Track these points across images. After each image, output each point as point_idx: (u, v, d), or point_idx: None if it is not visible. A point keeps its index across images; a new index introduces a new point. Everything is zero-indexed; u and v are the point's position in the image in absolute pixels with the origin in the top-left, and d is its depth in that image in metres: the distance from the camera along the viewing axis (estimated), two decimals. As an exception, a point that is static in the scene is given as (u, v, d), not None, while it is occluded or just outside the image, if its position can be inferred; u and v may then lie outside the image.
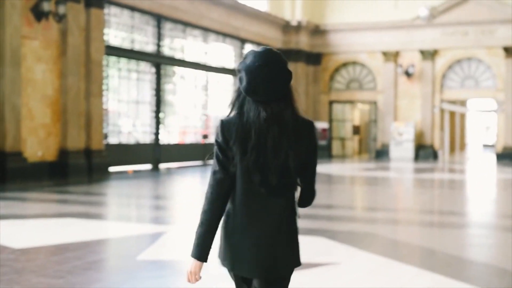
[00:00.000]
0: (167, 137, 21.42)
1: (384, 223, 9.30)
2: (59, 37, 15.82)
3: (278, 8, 27.12)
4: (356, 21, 27.48)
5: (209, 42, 23.15)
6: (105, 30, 17.68)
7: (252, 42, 25.08)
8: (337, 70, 28.65)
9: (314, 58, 28.35)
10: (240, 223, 2.60)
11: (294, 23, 27.31)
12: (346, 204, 11.84)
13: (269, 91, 2.60)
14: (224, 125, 2.61)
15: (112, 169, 17.64)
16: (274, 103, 2.63)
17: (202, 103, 22.96)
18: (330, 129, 28.81)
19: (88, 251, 6.46)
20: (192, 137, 22.73)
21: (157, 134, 20.35)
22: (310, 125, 2.71)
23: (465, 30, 26.00)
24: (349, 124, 30.77)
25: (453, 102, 27.81)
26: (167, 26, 20.95)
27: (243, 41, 24.87)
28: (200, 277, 2.66)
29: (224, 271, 2.68)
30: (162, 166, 20.27)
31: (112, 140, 18.73)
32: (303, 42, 27.74)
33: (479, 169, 23.06)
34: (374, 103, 28.38)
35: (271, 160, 2.57)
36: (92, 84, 16.68)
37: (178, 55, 21.67)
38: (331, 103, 29.08)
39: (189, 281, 2.65)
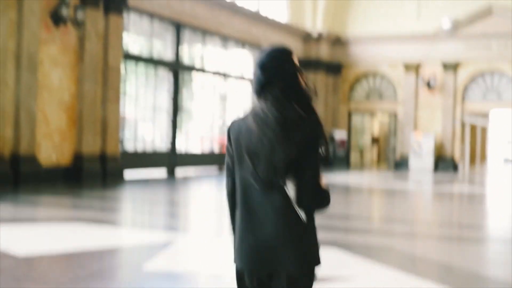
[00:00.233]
0: (185, 144, 21.28)
1: (402, 236, 9.03)
2: (77, 43, 15.75)
3: (299, 18, 26.93)
4: (378, 32, 27.21)
5: (229, 50, 23.02)
6: (124, 37, 17.59)
7: (272, 51, 24.84)
8: (357, 80, 28.38)
9: (334, 69, 28.12)
10: (240, 221, 2.64)
11: (315, 34, 27.11)
12: (363, 215, 11.57)
13: (263, 85, 2.60)
14: (230, 126, 2.68)
15: (127, 175, 17.51)
16: (271, 99, 2.58)
17: (220, 111, 22.82)
18: (349, 139, 28.52)
19: (93, 260, 6.27)
20: (209, 145, 22.57)
21: (173, 141, 20.22)
22: (304, 121, 2.55)
23: (488, 43, 25.61)
24: (368, 134, 30.47)
25: (474, 114, 27.41)
26: (186, 34, 20.85)
27: (262, 49, 24.66)
28: None
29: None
30: (178, 173, 20.11)
31: (129, 146, 18.62)
32: (323, 52, 27.53)
33: (499, 182, 22.63)
34: (394, 114, 28.05)
35: (259, 157, 2.55)
36: (109, 90, 16.58)
37: (197, 63, 21.55)
38: (350, 113, 28.81)
39: None
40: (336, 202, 13.30)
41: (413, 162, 26.45)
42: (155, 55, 19.60)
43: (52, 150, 15.15)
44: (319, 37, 27.18)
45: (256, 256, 2.59)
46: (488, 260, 7.56)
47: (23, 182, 13.84)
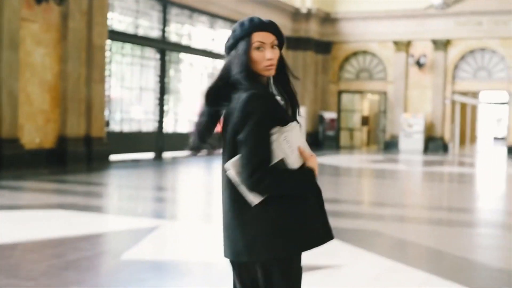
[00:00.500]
0: (173, 125, 20.95)
1: (391, 220, 8.81)
2: (59, 20, 15.34)
3: (288, -6, 26.53)
4: (368, 10, 26.88)
5: (217, 28, 22.62)
6: (109, 15, 17.18)
7: (260, 29, 24.47)
8: (347, 59, 28.08)
9: (323, 47, 27.78)
10: None
11: (304, 10, 26.72)
12: (352, 199, 11.35)
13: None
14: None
15: (113, 157, 17.19)
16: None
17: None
18: (338, 120, 28.28)
19: (70, 248, 5.99)
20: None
21: (161, 122, 19.89)
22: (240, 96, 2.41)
23: (479, 20, 25.34)
24: (358, 114, 30.24)
25: (465, 93, 27.20)
26: (173, 12, 20.44)
27: (251, 28, 24.27)
28: None
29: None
30: (166, 155, 19.82)
31: (114, 127, 18.28)
32: (312, 30, 27.16)
33: (489, 162, 22.49)
34: (384, 94, 27.79)
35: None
36: (93, 69, 16.19)
37: (184, 41, 21.17)
38: (340, 93, 28.54)
39: None
40: (325, 184, 13.10)
41: (403, 143, 26.26)
42: (141, 34, 19.19)
43: (35, 132, 14.81)
44: (308, 14, 26.79)
45: (223, 245, 2.49)
46: (480, 246, 7.35)
47: (5, 166, 13.51)
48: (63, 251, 5.87)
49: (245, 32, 2.46)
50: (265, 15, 24.40)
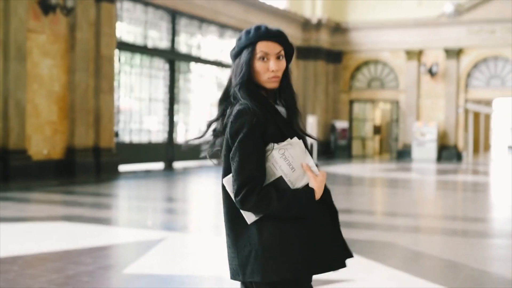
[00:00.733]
0: (183, 136, 20.78)
1: (405, 231, 8.55)
2: (67, 31, 15.22)
3: (298, 5, 26.35)
4: (379, 19, 26.66)
5: (226, 38, 22.48)
6: (117, 25, 17.07)
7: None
8: (358, 68, 27.85)
9: (334, 57, 27.57)
10: None
11: (314, 20, 26.53)
12: (365, 209, 11.08)
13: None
14: None
15: (122, 168, 17.03)
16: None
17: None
18: (350, 129, 28.03)
19: (71, 262, 5.78)
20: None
21: (170, 132, 19.73)
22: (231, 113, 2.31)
23: (492, 28, 25.04)
24: (370, 123, 29.97)
25: (478, 102, 26.86)
26: (182, 22, 20.32)
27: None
28: None
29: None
30: (176, 165, 19.63)
31: (124, 138, 18.13)
32: (323, 40, 26.96)
33: (504, 171, 22.14)
34: (396, 103, 27.52)
35: None
36: (102, 80, 16.06)
37: (193, 52, 21.02)
38: (351, 102, 28.29)
39: None
40: (337, 194, 12.85)
41: (416, 152, 25.95)
42: (150, 45, 19.07)
43: (43, 143, 14.67)
44: (319, 24, 26.60)
45: None
46: (496, 257, 7.07)
47: (13, 177, 13.38)
48: (63, 265, 5.66)
49: (249, 41, 2.34)
50: (275, 25, 24.14)
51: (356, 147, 28.98)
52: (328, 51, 27.24)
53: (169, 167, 19.26)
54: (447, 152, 25.96)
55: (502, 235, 8.53)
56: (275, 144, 2.24)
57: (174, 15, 19.72)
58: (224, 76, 22.08)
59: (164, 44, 19.62)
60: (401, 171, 20.44)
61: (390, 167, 22.24)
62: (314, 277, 2.31)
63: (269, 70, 2.31)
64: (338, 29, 27.40)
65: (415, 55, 26.30)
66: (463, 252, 7.12)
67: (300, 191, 2.24)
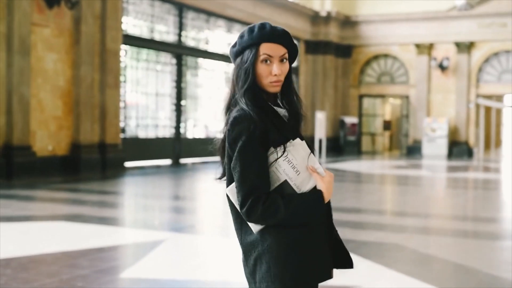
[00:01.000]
0: (191, 131, 20.57)
1: (414, 232, 8.30)
2: (72, 25, 15.03)
3: (307, -2, 26.06)
4: (389, 12, 26.34)
5: (234, 32, 22.23)
6: (123, 19, 16.85)
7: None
8: (367, 63, 27.54)
9: (344, 51, 27.27)
10: None
11: (323, 13, 26.23)
12: (373, 208, 10.83)
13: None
14: None
15: (128, 164, 16.84)
16: None
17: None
18: (359, 124, 27.75)
19: (66, 265, 5.57)
20: (214, 132, 21.85)
21: (178, 128, 19.52)
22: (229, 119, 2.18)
23: (503, 21, 24.66)
24: (379, 119, 29.67)
25: (489, 97, 26.51)
26: (189, 16, 20.08)
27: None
28: None
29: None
30: (184, 161, 19.43)
31: (130, 133, 17.93)
32: (332, 33, 26.66)
33: (516, 168, 21.81)
34: (406, 98, 27.20)
35: None
36: (107, 75, 15.86)
37: (201, 46, 20.79)
38: (361, 97, 28.00)
39: None
40: (346, 192, 12.61)
41: (426, 148, 25.64)
42: (157, 39, 18.84)
43: (47, 139, 14.49)
44: (328, 18, 26.30)
45: None
46: (509, 261, 6.81)
47: (17, 174, 13.21)
48: (58, 269, 5.45)
49: (252, 41, 2.18)
50: (284, 18, 23.99)
51: (365, 143, 28.69)
52: (337, 45, 26.94)
53: (176, 164, 19.06)
54: (457, 148, 25.63)
55: (515, 237, 8.26)
56: (277, 148, 2.11)
57: (181, 8, 19.49)
58: (232, 70, 21.81)
59: (171, 38, 19.40)
60: (411, 168, 20.16)
61: (400, 163, 21.95)
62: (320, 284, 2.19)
63: (271, 74, 2.17)
64: (347, 22, 27.09)
65: (425, 49, 25.95)
66: (475, 255, 6.87)
67: (308, 195, 2.12)
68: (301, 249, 2.11)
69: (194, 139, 20.35)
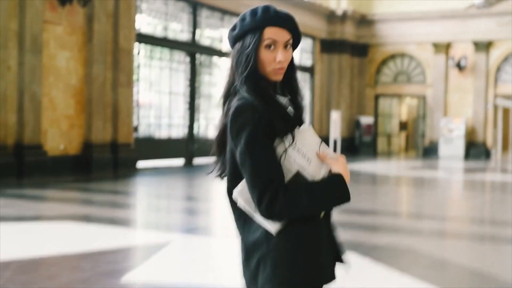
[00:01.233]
0: (205, 131, 20.42)
1: (429, 235, 8.07)
2: (84, 23, 14.91)
3: (323, -4, 25.81)
4: (405, 11, 26.01)
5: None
6: (136, 17, 16.73)
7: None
8: (384, 62, 27.23)
9: (360, 50, 26.99)
10: None
11: (339, 12, 25.98)
12: (388, 210, 10.60)
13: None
14: None
15: (140, 164, 16.70)
16: None
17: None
18: (375, 125, 27.43)
19: (68, 268, 5.42)
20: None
21: (191, 127, 19.37)
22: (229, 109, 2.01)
23: (523, 20, 24.25)
24: (395, 119, 29.34)
25: (508, 97, 26.10)
26: (204, 14, 19.92)
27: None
28: None
29: None
30: (197, 161, 19.27)
31: (143, 133, 17.80)
32: (348, 32, 26.39)
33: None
34: (422, 98, 26.85)
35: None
36: (120, 73, 15.74)
37: (215, 45, 20.62)
38: (377, 97, 27.69)
39: None
40: (361, 194, 12.37)
41: (443, 149, 25.29)
42: (171, 37, 18.70)
43: (59, 138, 14.39)
44: (344, 16, 26.03)
45: None
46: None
47: (28, 173, 13.10)
48: (59, 271, 5.29)
49: (256, 25, 2.02)
50: (299, 17, 23.65)
51: (381, 144, 28.36)
52: (353, 44, 26.67)
53: (189, 163, 18.91)
54: (475, 149, 25.27)
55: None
56: (284, 137, 1.98)
57: (195, 6, 19.33)
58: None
59: (185, 36, 19.25)
60: (428, 169, 19.87)
61: (416, 165, 21.66)
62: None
63: (275, 60, 2.02)
64: (363, 21, 26.81)
65: (442, 48, 25.61)
66: (492, 260, 6.64)
67: (329, 180, 2.00)
68: (308, 247, 1.99)
69: (209, 139, 20.16)
